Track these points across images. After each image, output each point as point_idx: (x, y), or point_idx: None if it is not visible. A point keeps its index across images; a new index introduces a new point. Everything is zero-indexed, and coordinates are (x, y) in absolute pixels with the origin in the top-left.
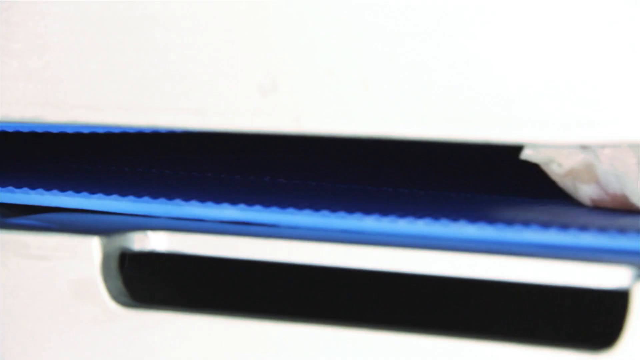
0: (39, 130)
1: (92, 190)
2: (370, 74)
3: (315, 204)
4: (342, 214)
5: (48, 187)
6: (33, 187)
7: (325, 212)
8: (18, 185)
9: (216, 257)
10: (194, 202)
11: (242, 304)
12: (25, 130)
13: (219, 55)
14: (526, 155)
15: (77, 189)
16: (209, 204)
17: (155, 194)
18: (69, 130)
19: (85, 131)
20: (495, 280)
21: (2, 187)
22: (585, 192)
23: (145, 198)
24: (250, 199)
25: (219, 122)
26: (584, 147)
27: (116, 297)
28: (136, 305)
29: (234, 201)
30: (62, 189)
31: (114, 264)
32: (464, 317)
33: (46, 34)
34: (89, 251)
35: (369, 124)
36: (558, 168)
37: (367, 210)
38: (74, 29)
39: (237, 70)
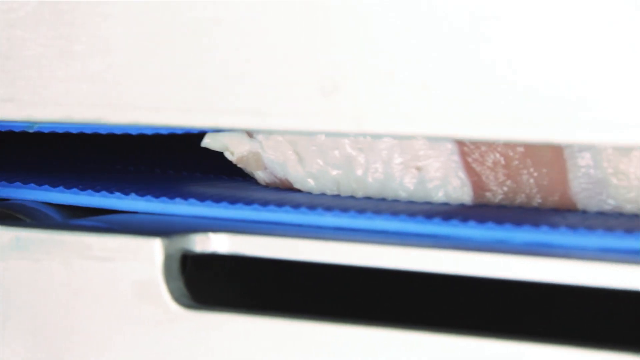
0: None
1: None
2: (429, 75)
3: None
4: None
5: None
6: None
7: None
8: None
9: (277, 259)
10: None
11: (302, 305)
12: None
13: (281, 56)
14: (205, 143)
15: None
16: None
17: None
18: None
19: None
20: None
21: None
22: (259, 176)
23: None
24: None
25: (280, 123)
26: (251, 137)
27: (178, 299)
28: (197, 307)
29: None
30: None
31: (176, 265)
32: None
33: (108, 36)
34: (151, 253)
35: (428, 124)
36: (231, 156)
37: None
38: (136, 30)
39: (298, 72)
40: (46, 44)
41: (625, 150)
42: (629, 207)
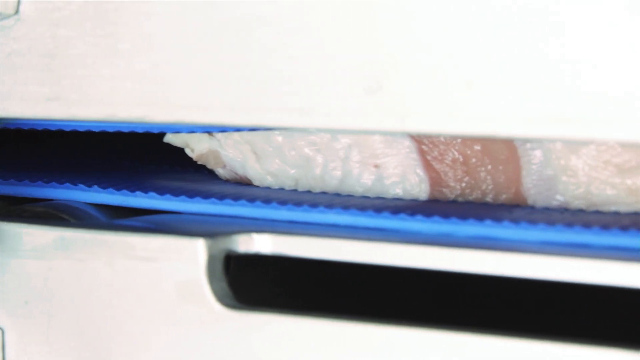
0: (145, 130)
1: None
2: (474, 74)
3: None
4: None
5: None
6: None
7: (321, 208)
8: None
9: (320, 260)
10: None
11: (345, 306)
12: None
13: (326, 55)
14: (167, 139)
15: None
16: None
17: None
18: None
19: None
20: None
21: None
22: (220, 172)
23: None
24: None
25: (325, 121)
26: (211, 135)
27: (221, 299)
28: (241, 307)
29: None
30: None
31: (219, 265)
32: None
33: (153, 35)
34: (194, 253)
35: (473, 123)
36: (191, 152)
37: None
38: (180, 29)
39: (343, 71)
40: (91, 42)
41: (574, 148)
42: (576, 203)
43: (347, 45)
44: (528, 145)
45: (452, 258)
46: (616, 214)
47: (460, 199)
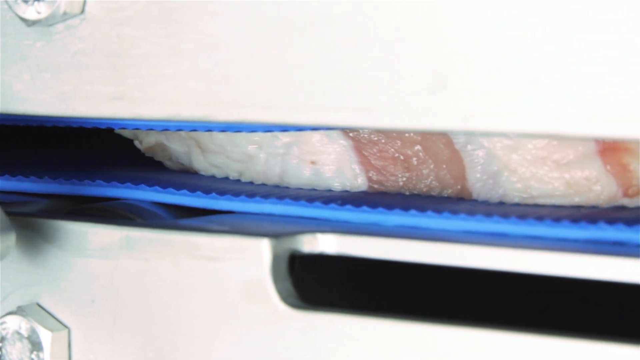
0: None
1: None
2: (538, 72)
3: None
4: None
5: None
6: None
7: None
8: (193, 189)
9: (384, 260)
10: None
11: (410, 306)
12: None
13: (389, 54)
14: (118, 130)
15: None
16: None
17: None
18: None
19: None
20: None
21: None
22: (168, 164)
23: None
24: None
25: (388, 120)
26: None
27: (286, 299)
28: (305, 307)
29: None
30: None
31: (284, 265)
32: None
33: (216, 34)
34: (259, 253)
35: (537, 122)
36: (139, 145)
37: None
38: (243, 28)
39: (406, 69)
40: (155, 42)
41: (515, 146)
42: (517, 196)
43: (410, 44)
44: (469, 146)
45: (520, 258)
46: (554, 207)
47: (406, 192)
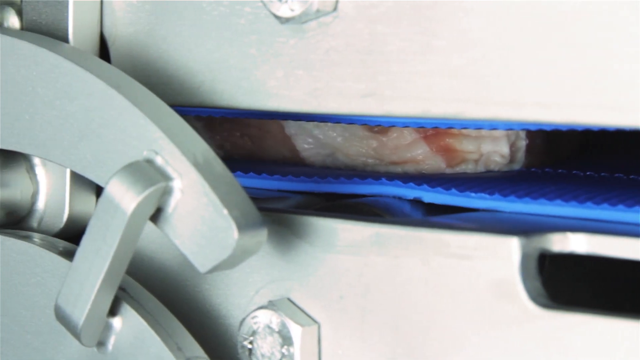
0: (462, 127)
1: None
2: None
3: None
4: None
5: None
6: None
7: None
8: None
9: (635, 260)
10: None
11: None
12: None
13: None
14: None
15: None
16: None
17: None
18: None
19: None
20: None
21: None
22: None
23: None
24: None
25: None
26: None
27: (535, 298)
28: (555, 307)
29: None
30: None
31: (533, 264)
32: None
33: (470, 31)
34: (508, 251)
35: None
36: None
37: None
38: (498, 25)
39: None
40: (407, 39)
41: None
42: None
43: None
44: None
45: None
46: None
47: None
